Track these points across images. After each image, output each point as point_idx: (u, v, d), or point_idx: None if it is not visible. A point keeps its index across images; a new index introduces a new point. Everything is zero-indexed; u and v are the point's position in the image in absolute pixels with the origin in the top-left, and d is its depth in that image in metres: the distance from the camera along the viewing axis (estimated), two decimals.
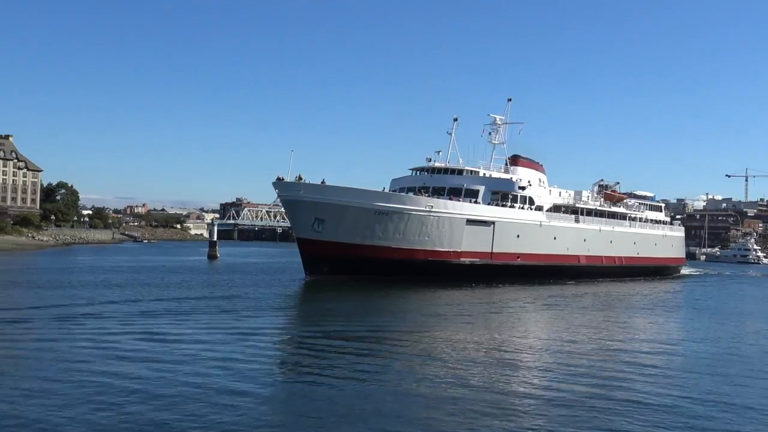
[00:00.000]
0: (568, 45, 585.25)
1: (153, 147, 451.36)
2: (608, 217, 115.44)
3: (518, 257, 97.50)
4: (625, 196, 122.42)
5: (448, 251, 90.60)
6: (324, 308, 58.61)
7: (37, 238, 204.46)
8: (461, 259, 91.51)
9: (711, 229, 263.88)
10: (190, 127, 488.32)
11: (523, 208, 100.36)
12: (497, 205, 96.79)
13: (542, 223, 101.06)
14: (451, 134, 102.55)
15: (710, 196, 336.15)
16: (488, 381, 30.50)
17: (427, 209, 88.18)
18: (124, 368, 30.29)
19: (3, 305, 50.89)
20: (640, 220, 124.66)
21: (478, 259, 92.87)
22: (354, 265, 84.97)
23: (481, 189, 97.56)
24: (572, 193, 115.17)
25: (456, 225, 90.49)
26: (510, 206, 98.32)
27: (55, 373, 28.98)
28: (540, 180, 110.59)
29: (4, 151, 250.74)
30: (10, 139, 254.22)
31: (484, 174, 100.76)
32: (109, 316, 46.59)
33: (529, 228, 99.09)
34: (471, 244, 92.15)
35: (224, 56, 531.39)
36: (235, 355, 33.92)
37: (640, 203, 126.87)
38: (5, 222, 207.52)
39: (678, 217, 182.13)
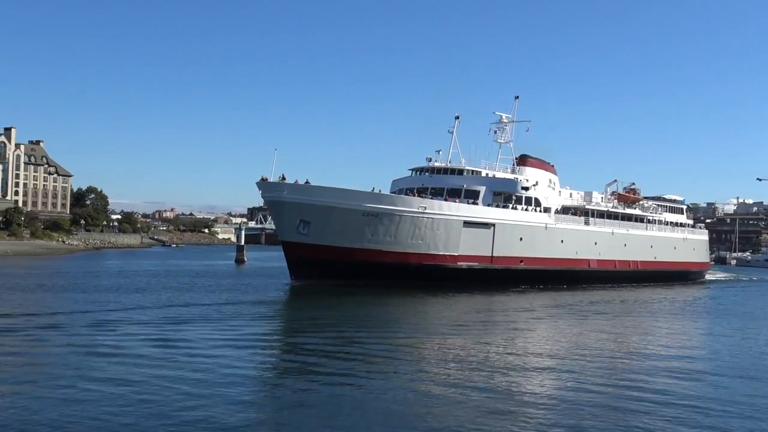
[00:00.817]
0: (582, 40, 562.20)
1: (182, 152, 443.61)
2: (622, 220, 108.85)
3: (521, 261, 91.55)
4: (640, 197, 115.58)
5: (444, 255, 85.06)
6: (305, 317, 54.22)
7: (67, 243, 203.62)
8: (458, 263, 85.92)
9: (742, 233, 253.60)
10: (218, 132, 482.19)
11: (527, 209, 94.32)
12: (499, 206, 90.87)
13: (548, 225, 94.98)
14: (452, 133, 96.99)
15: (741, 200, 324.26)
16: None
17: (420, 210, 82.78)
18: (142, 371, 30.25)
19: (43, 309, 51.48)
20: (658, 222, 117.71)
21: (476, 263, 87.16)
22: (343, 270, 79.89)
23: (482, 190, 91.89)
24: (583, 194, 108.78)
25: (452, 227, 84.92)
26: (513, 208, 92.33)
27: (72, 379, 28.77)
28: (550, 181, 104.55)
29: (35, 157, 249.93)
30: (41, 144, 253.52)
31: (486, 174, 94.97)
32: (138, 321, 46.64)
33: (534, 230, 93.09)
34: (469, 247, 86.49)
35: (246, 59, 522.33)
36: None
37: (658, 205, 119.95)
38: (36, 226, 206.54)
39: (708, 221, 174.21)
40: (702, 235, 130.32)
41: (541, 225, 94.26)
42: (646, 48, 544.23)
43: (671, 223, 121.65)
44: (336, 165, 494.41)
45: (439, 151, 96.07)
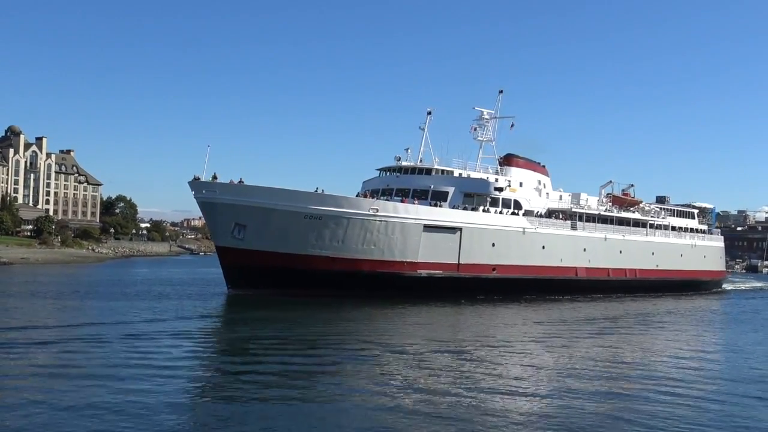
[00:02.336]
0: (589, 29, 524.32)
1: (209, 160, 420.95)
2: (617, 224, 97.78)
3: (494, 269, 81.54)
4: (638, 200, 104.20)
5: (401, 262, 75.64)
6: (235, 338, 45.17)
7: (97, 251, 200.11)
8: (418, 271, 76.24)
9: None
10: (243, 140, 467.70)
11: (503, 212, 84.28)
12: (467, 208, 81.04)
13: (526, 229, 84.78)
14: (423, 129, 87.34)
15: None
16: None
17: (371, 213, 73.44)
18: None
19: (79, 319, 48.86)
20: (663, 227, 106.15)
21: (440, 272, 77.54)
22: (285, 279, 71.06)
23: (451, 191, 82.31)
24: (571, 196, 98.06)
25: (410, 231, 75.47)
26: (485, 210, 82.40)
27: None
28: (539, 182, 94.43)
29: (65, 166, 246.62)
30: (72, 153, 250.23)
31: (460, 174, 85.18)
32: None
33: (508, 235, 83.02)
34: (430, 253, 76.95)
35: (261, 62, 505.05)
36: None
37: (661, 208, 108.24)
38: (67, 235, 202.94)
39: (739, 228, 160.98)
40: (716, 242, 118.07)
41: (517, 229, 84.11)
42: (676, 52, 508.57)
43: (678, 228, 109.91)
44: (309, 168, 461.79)
45: (407, 150, 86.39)
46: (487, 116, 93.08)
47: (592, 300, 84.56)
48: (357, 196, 79.72)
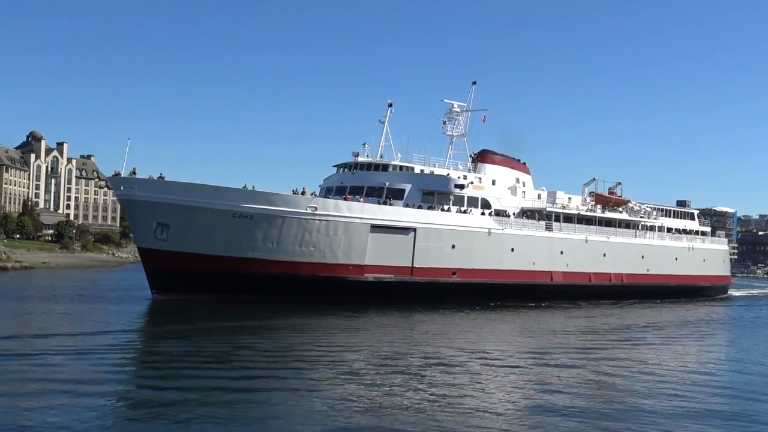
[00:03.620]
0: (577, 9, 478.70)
1: (229, 164, 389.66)
2: (601, 225, 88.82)
3: (454, 273, 73.37)
4: (626, 199, 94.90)
5: (346, 265, 68.02)
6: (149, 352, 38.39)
7: (117, 255, 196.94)
8: (365, 276, 68.42)
9: None
10: (269, 144, 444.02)
11: (466, 211, 76.18)
12: (422, 207, 73.15)
13: (492, 230, 76.43)
14: (383, 123, 79.58)
15: None
16: None
17: (309, 211, 65.85)
18: None
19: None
20: (655, 229, 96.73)
21: (390, 276, 69.74)
22: (214, 283, 63.80)
23: (407, 188, 74.48)
24: (546, 193, 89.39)
25: (355, 232, 67.86)
26: (443, 209, 74.44)
27: None
28: (517, 180, 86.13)
29: (86, 171, 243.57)
30: (92, 159, 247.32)
31: (422, 171, 77.25)
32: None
33: (472, 237, 74.86)
34: (379, 256, 69.21)
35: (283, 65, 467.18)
36: None
37: (654, 208, 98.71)
38: (87, 239, 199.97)
39: (761, 233, 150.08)
40: (718, 245, 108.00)
41: (481, 230, 75.87)
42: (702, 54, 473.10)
43: (675, 230, 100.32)
44: (272, 169, 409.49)
45: (365, 145, 78.58)
46: (458, 109, 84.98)
47: (568, 308, 75.93)
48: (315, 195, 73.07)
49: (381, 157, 78.43)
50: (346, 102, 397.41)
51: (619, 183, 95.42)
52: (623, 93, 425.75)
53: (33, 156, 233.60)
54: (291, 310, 58.80)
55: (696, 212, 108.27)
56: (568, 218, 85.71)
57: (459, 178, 76.87)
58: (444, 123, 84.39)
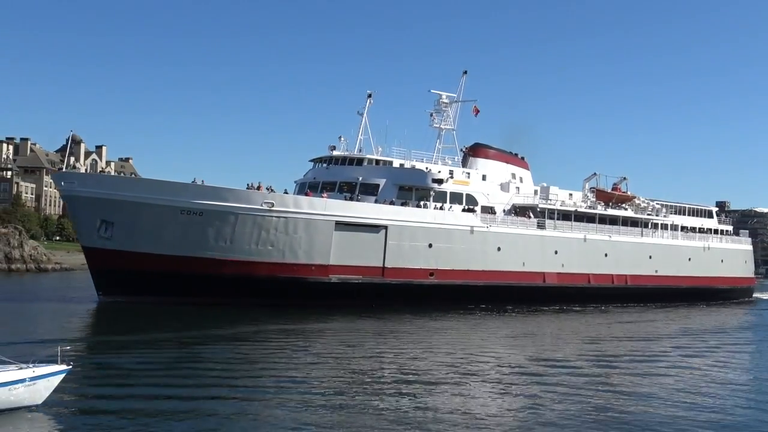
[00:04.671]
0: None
1: (261, 169, 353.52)
2: (603, 222, 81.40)
3: (431, 274, 67.10)
4: (631, 195, 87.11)
5: (308, 265, 62.45)
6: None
7: None
8: (329, 277, 62.61)
9: None
10: (287, 145, 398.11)
11: (447, 208, 69.94)
12: (395, 203, 67.22)
13: (475, 228, 69.92)
14: (362, 115, 73.63)
15: None
16: None
17: (266, 208, 60.35)
18: None
19: None
20: (667, 227, 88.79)
21: (358, 276, 63.95)
22: (164, 284, 58.70)
23: (382, 183, 68.49)
24: (539, 189, 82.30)
25: (317, 229, 62.23)
26: (420, 205, 68.36)
27: None
28: (513, 175, 79.61)
29: (124, 173, 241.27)
30: (130, 161, 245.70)
31: (402, 165, 71.22)
32: None
33: (451, 235, 68.55)
34: (346, 255, 63.51)
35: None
36: None
37: (663, 205, 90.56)
38: None
39: None
40: (741, 244, 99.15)
41: (463, 228, 69.47)
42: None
43: (689, 228, 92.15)
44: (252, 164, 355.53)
45: (341, 138, 72.73)
46: (446, 100, 78.54)
47: (561, 311, 69.25)
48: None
49: (360, 150, 72.53)
50: (324, 91, 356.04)
51: (624, 178, 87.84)
52: (640, 82, 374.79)
53: (72, 159, 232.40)
54: (247, 314, 53.48)
55: (715, 210, 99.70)
56: (566, 216, 78.52)
57: (438, 172, 70.57)
58: (431, 115, 78.11)
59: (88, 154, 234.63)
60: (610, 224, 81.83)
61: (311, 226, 62.28)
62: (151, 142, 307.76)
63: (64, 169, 60.46)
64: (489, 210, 73.64)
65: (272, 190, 62.60)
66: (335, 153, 71.37)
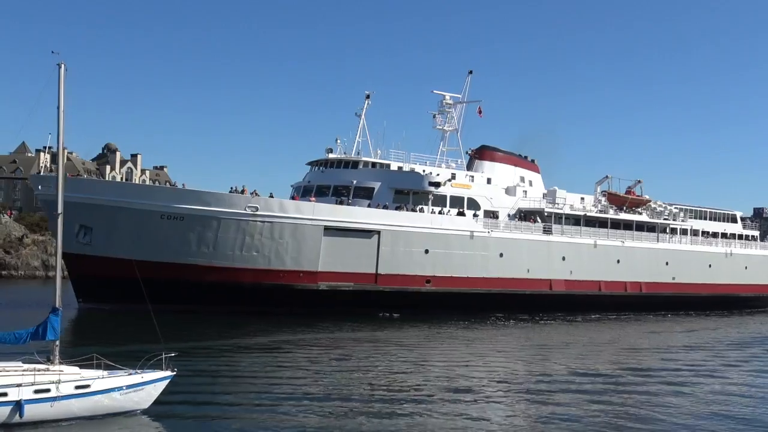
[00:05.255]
0: None
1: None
2: (614, 227, 77.09)
3: (428, 281, 63.68)
4: (646, 198, 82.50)
5: (296, 272, 59.52)
6: None
7: None
8: (318, 284, 59.53)
9: None
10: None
11: (445, 212, 66.48)
12: (397, 207, 64.07)
13: (475, 233, 66.30)
14: (360, 116, 70.51)
15: None
16: None
17: (249, 212, 57.51)
18: None
19: None
20: (688, 232, 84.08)
21: (349, 283, 60.86)
22: (149, 291, 55.64)
23: (377, 186, 65.29)
24: (545, 193, 78.30)
25: (305, 235, 59.25)
26: (418, 209, 65.10)
27: None
28: (522, 179, 76.02)
29: (159, 182, 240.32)
30: (165, 169, 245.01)
31: (400, 168, 68.04)
32: None
33: (449, 240, 65.09)
34: (336, 262, 60.49)
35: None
36: None
37: (681, 209, 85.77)
38: None
39: None
40: (767, 250, 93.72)
41: (462, 233, 65.91)
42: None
43: (711, 233, 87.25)
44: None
45: (337, 140, 69.63)
46: (450, 101, 75.08)
47: (565, 321, 65.46)
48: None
49: (358, 153, 69.42)
50: (324, 92, 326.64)
51: (639, 181, 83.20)
52: (664, 81, 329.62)
53: (108, 168, 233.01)
54: (232, 322, 50.94)
55: (739, 214, 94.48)
56: (576, 220, 74.47)
57: (437, 175, 67.09)
58: (434, 116, 74.70)
59: (123, 162, 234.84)
60: (624, 229, 77.49)
61: (298, 231, 59.31)
62: (185, 149, 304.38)
63: (42, 173, 58.09)
64: (492, 214, 69.98)
65: (257, 194, 59.74)
66: (330, 156, 68.38)
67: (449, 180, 67.39)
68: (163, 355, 24.59)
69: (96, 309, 56.80)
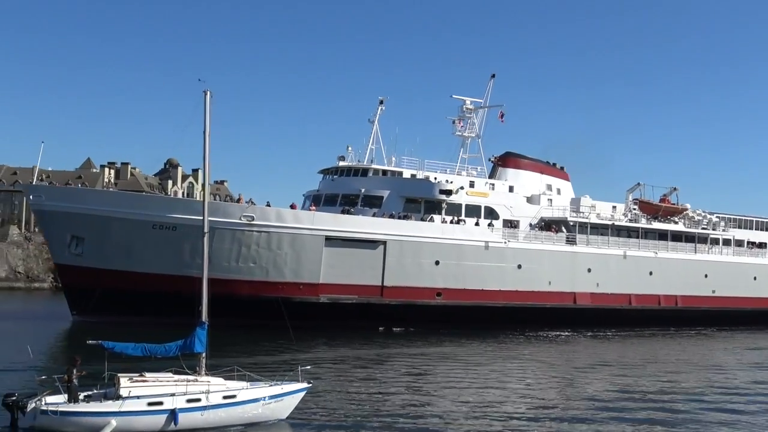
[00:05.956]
0: None
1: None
2: (646, 237, 71.64)
3: (439, 294, 59.57)
4: (681, 207, 76.60)
5: (295, 284, 56.28)
6: None
7: None
8: (319, 296, 56.11)
9: None
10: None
11: (459, 221, 62.42)
12: (404, 217, 60.31)
13: (490, 243, 61.95)
14: (373, 122, 66.95)
15: None
16: None
17: (245, 221, 54.45)
18: None
19: None
20: (731, 243, 77.94)
21: (353, 296, 57.29)
22: (139, 303, 53.54)
23: (386, 194, 61.60)
24: (604, 204, 73.44)
25: (304, 245, 55.98)
26: (424, 219, 61.20)
27: None
28: (549, 187, 71.43)
29: (219, 196, 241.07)
30: (225, 184, 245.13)
31: (412, 175, 64.37)
32: None
33: (462, 251, 60.95)
34: (339, 273, 57.10)
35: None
36: None
37: (721, 218, 79.52)
38: None
39: None
40: None
41: (476, 243, 61.64)
42: None
43: (756, 243, 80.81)
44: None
45: (348, 147, 66.31)
46: (471, 106, 70.92)
47: (594, 337, 60.72)
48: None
49: (372, 161, 65.85)
50: (339, 99, 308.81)
51: (675, 188, 77.26)
52: (707, 87, 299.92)
53: (170, 183, 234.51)
54: (226, 336, 47.64)
55: None
56: (603, 229, 69.39)
57: (448, 182, 63.01)
58: (454, 122, 70.55)
59: (185, 177, 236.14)
60: (657, 239, 72.01)
61: (297, 241, 55.97)
62: (245, 163, 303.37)
63: (35, 182, 56.05)
64: (511, 224, 65.54)
65: (253, 203, 56.67)
66: (341, 164, 65.02)
67: (461, 188, 63.26)
68: (299, 368, 25.73)
69: (87, 322, 54.33)
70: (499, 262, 62.40)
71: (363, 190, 61.83)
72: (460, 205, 63.51)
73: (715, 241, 76.47)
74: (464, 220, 62.89)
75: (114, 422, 21.90)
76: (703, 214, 77.06)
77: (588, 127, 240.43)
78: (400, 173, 64.27)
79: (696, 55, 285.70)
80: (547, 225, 67.43)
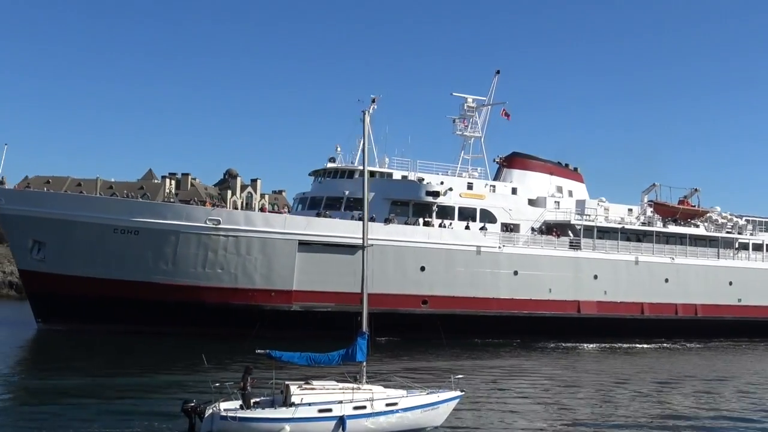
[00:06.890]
0: None
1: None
2: (662, 241, 65.15)
3: (425, 302, 54.61)
4: (702, 209, 69.47)
5: (267, 291, 52.13)
6: None
7: None
8: (292, 304, 51.86)
9: None
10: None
11: (442, 225, 57.39)
12: (386, 220, 55.68)
13: (482, 248, 56.67)
14: (363, 121, 62.02)
15: None
16: None
17: (211, 225, 50.61)
18: None
19: None
20: (758, 248, 70.55)
21: (329, 304, 52.56)
22: (104, 310, 50.47)
23: (371, 197, 56.56)
24: (618, 207, 67.33)
25: (276, 250, 51.94)
26: (421, 222, 56.40)
27: None
28: (559, 188, 65.85)
29: (277, 206, 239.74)
30: (283, 193, 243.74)
31: (403, 177, 59.65)
32: None
33: (450, 257, 55.92)
34: (314, 280, 52.79)
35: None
36: None
37: (749, 221, 71.93)
38: None
39: None
40: None
41: (466, 248, 56.45)
42: None
43: None
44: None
45: (338, 147, 61.88)
46: (473, 104, 65.78)
47: (590, 353, 54.92)
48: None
49: (370, 163, 61.04)
50: (334, 95, 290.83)
51: (696, 190, 70.16)
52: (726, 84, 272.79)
53: (229, 192, 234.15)
54: (194, 347, 44.20)
55: None
56: (613, 233, 63.24)
57: (438, 183, 57.99)
58: (454, 121, 65.50)
59: (243, 187, 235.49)
60: (675, 244, 65.46)
61: (268, 246, 51.84)
62: (302, 173, 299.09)
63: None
64: (509, 227, 60.12)
65: (218, 206, 52.76)
66: (329, 165, 60.67)
67: (450, 189, 58.06)
68: (452, 378, 26.58)
69: (54, 330, 51.30)
70: (493, 267, 57.08)
71: (347, 193, 57.33)
72: (453, 207, 58.46)
73: (744, 246, 69.26)
74: (452, 224, 57.74)
75: (288, 428, 22.49)
76: (729, 216, 69.88)
77: (610, 129, 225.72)
78: (390, 175, 59.63)
79: (722, 42, 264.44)
80: (549, 229, 61.68)
